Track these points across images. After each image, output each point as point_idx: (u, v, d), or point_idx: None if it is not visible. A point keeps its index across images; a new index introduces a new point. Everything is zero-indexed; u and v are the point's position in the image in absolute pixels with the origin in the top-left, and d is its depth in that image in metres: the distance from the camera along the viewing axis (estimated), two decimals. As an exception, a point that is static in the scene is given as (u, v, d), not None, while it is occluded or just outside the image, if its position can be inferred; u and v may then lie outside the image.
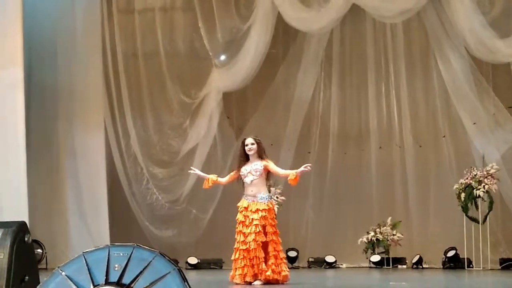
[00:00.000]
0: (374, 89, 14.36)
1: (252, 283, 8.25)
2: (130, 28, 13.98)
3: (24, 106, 11.84)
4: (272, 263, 8.34)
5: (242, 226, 8.37)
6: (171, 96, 13.82)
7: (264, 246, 8.37)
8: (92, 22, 13.25)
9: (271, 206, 8.52)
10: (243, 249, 8.28)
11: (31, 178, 11.90)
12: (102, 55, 13.38)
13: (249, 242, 8.24)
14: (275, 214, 8.68)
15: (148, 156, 13.76)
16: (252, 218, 8.31)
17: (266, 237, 8.32)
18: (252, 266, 8.28)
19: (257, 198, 8.42)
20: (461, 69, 13.19)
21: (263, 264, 8.25)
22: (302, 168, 8.35)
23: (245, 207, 8.42)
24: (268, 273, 8.29)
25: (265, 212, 8.34)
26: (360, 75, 14.46)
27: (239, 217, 8.44)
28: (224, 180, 8.81)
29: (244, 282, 8.28)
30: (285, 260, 8.67)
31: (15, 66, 11.76)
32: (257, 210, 8.34)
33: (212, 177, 8.73)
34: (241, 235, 8.35)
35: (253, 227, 8.27)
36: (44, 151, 12.93)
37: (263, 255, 8.30)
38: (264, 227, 8.32)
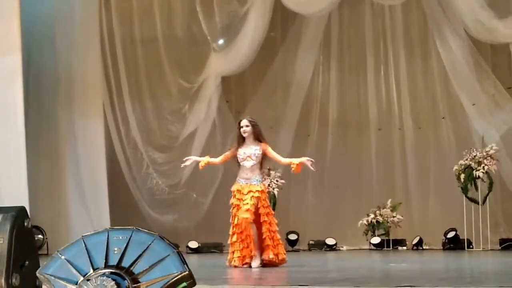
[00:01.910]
0: (373, 71, 14.35)
1: (251, 266, 8.24)
2: (128, 13, 13.91)
3: (23, 92, 11.82)
4: (270, 245, 8.33)
5: (237, 210, 8.34)
6: (169, 81, 13.79)
7: (259, 228, 8.34)
8: (90, 8, 13.19)
9: (263, 188, 8.51)
10: (239, 232, 8.27)
11: (31, 165, 11.90)
12: (100, 41, 13.34)
13: (241, 223, 8.21)
14: (267, 196, 8.70)
15: (147, 141, 13.76)
16: (245, 199, 8.29)
17: (259, 218, 8.30)
18: (248, 247, 8.26)
19: (250, 181, 8.39)
20: (460, 50, 13.15)
21: (252, 243, 8.20)
22: (305, 161, 8.35)
23: (238, 190, 8.38)
24: (271, 256, 8.29)
25: (258, 193, 8.31)
26: (359, 58, 14.44)
27: (233, 201, 8.40)
28: (218, 160, 8.78)
29: (243, 264, 8.27)
30: (281, 242, 8.65)
31: (14, 53, 11.73)
32: (249, 191, 8.31)
33: (204, 159, 8.72)
34: (237, 218, 8.31)
35: (244, 206, 8.23)
36: (44, 137, 12.91)
37: (253, 233, 8.25)
38: (257, 208, 8.31)
